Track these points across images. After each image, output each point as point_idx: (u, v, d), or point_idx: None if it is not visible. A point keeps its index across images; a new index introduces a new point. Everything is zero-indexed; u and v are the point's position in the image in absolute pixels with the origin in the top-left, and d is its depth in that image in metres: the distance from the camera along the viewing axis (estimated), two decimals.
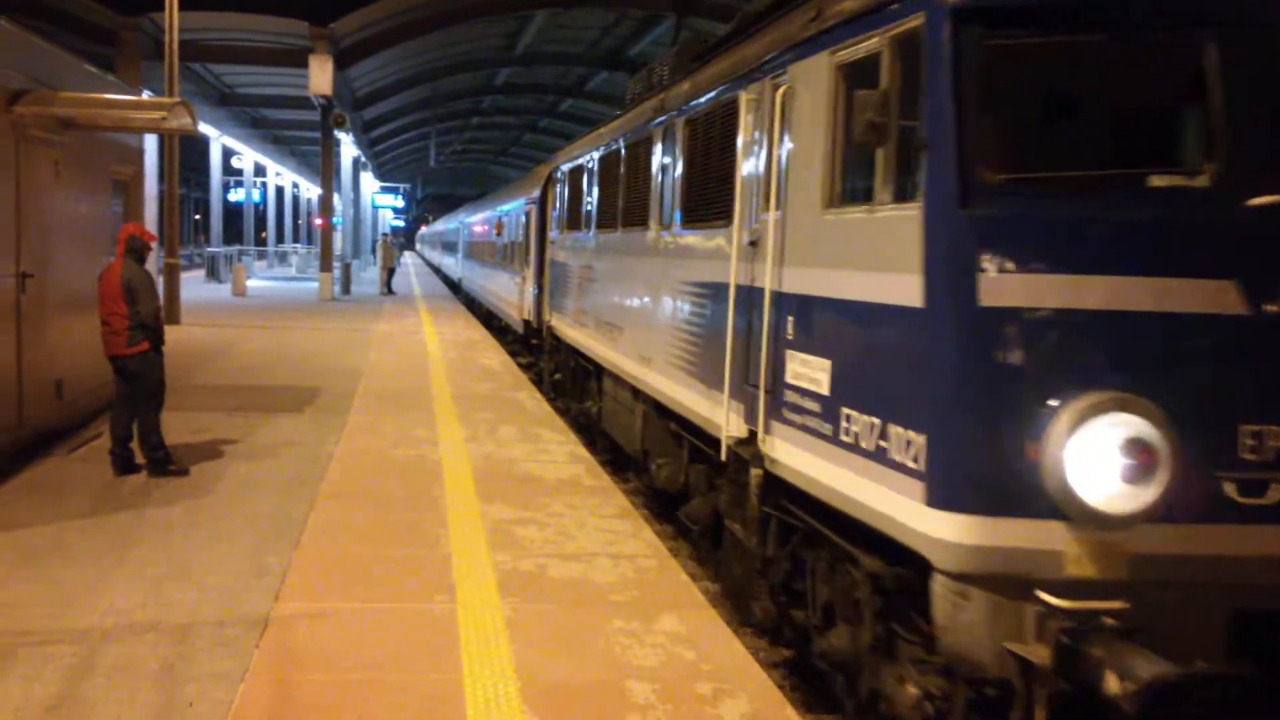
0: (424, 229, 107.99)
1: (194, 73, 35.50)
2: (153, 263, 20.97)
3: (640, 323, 10.77)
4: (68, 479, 9.91)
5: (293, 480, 10.03)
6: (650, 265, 10.37)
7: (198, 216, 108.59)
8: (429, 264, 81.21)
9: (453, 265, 52.05)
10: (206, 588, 7.02)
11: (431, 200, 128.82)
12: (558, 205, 17.55)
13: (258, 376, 17.04)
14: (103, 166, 13.25)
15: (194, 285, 39.16)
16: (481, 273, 34.25)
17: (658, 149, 10.33)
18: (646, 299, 10.49)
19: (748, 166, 7.48)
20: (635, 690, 5.62)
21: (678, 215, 9.42)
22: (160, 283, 23.83)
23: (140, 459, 10.08)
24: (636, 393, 11.20)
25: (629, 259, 11.47)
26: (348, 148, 47.06)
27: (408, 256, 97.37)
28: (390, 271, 42.20)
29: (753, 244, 7.19)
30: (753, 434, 7.07)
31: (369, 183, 66.42)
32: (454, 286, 49.21)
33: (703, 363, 8.36)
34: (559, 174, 17.59)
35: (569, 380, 16.65)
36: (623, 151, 12.06)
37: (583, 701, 5.49)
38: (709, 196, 8.41)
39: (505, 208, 26.87)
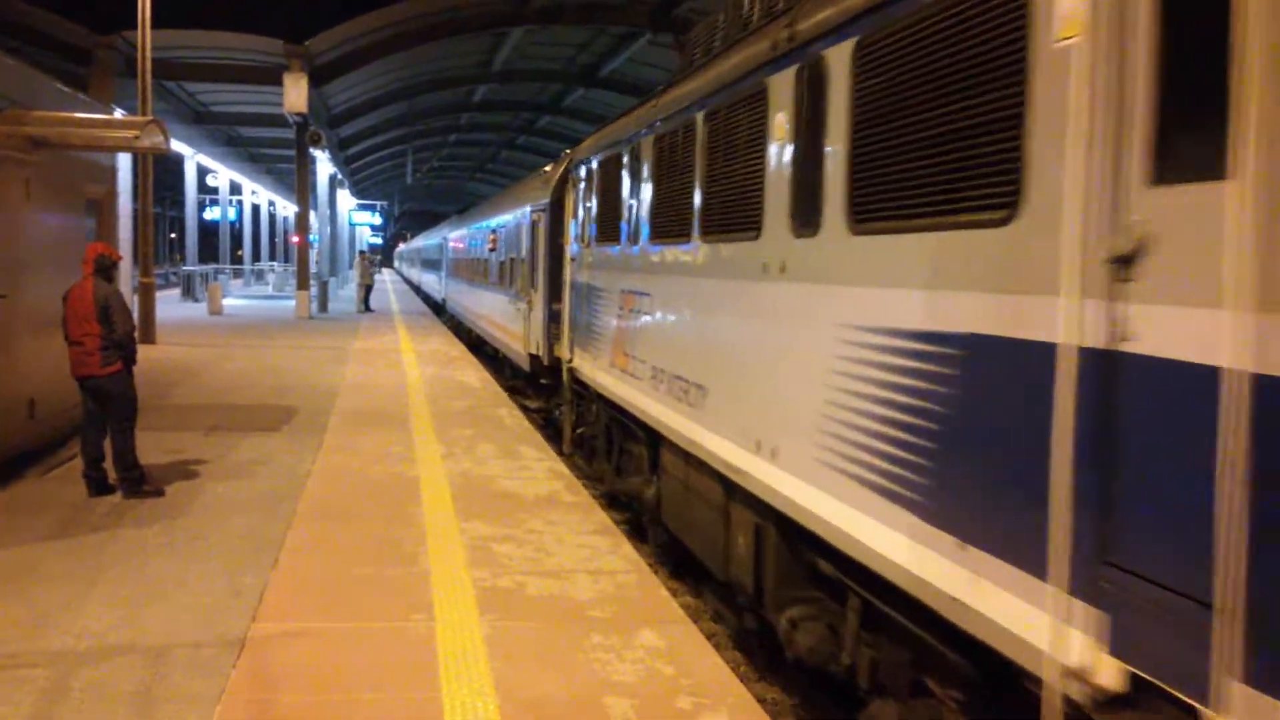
0: (402, 245, 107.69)
1: (169, 91, 35.38)
2: (127, 282, 20.92)
3: (750, 384, 7.08)
4: (41, 500, 9.81)
5: (270, 499, 9.97)
6: (774, 297, 6.67)
7: (173, 235, 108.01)
8: (408, 282, 79.33)
9: (435, 284, 48.72)
10: (182, 608, 6.96)
11: (409, 217, 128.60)
12: (580, 212, 13.61)
13: (234, 395, 16.95)
14: (75, 185, 13.18)
15: (170, 304, 38.95)
16: (471, 295, 30.55)
17: (782, 108, 6.62)
18: (766, 350, 6.80)
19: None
20: (614, 706, 5.60)
21: (848, 210, 5.69)
22: (135, 302, 23.71)
23: (114, 479, 9.99)
24: (733, 490, 7.54)
25: (722, 285, 7.70)
26: (324, 165, 46.95)
27: (386, 274, 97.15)
28: (368, 289, 42.08)
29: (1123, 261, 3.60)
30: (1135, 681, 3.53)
31: (346, 200, 66.31)
32: (437, 308, 46.57)
33: (940, 487, 4.67)
34: (582, 172, 13.59)
35: (603, 442, 12.64)
36: (701, 124, 8.27)
37: (562, 717, 5.46)
38: (967, 167, 4.58)
39: (502, 219, 23.88)
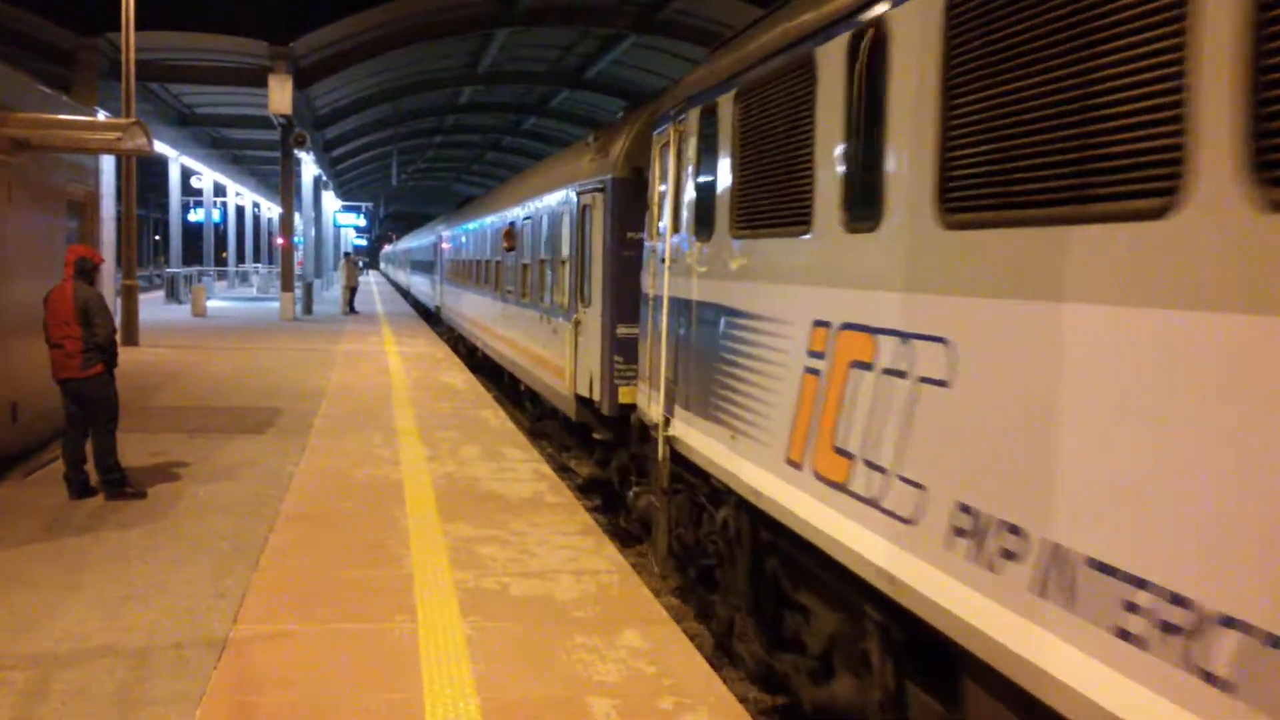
0: (388, 247, 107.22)
1: (153, 92, 35.27)
2: (110, 284, 20.84)
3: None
4: (22, 503, 9.78)
5: (252, 501, 9.95)
6: None
7: (157, 237, 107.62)
8: (396, 286, 76.02)
9: (426, 289, 43.57)
10: (164, 611, 6.95)
11: (394, 219, 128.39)
12: (689, 186, 8.47)
13: (218, 398, 16.90)
14: (58, 188, 13.14)
15: (153, 306, 38.83)
16: (476, 306, 24.88)
17: None
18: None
19: None
20: (596, 706, 5.61)
21: None
22: (118, 304, 23.63)
23: (96, 482, 9.97)
24: None
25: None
26: (309, 167, 46.85)
27: (371, 276, 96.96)
28: (353, 291, 42.00)
29: None
30: None
31: (331, 202, 66.15)
32: (427, 314, 42.46)
33: None
34: (692, 120, 8.46)
35: (745, 579, 7.55)
36: None
37: (544, 718, 5.47)
38: None
39: (525, 209, 18.10)
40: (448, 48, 37.78)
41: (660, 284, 9.13)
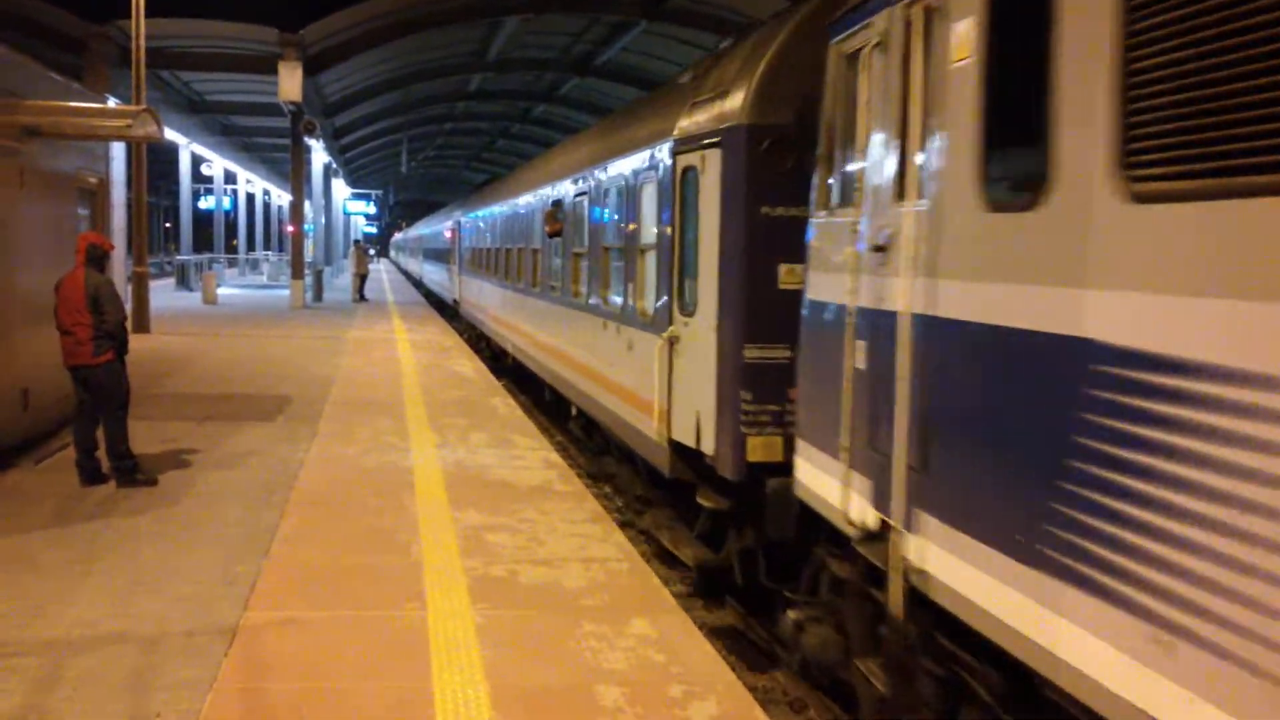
0: (398, 235, 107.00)
1: (163, 80, 35.27)
2: (121, 271, 20.90)
3: None
4: (34, 489, 9.82)
5: (263, 488, 9.98)
6: None
7: (168, 224, 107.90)
8: (407, 275, 73.04)
9: (442, 280, 39.71)
10: (175, 597, 6.98)
11: (404, 207, 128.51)
12: (955, 108, 4.89)
13: (228, 385, 16.94)
14: (69, 175, 13.16)
15: (164, 293, 38.90)
16: (505, 302, 21.22)
17: None
18: None
19: None
20: (605, 694, 5.62)
21: None
22: (129, 291, 23.72)
23: (107, 468, 10.00)
24: None
25: None
26: (318, 154, 46.90)
27: (381, 264, 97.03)
28: (363, 278, 42.04)
29: None
30: None
31: (340, 189, 66.22)
32: (441, 306, 39.68)
33: None
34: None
35: None
36: None
37: (553, 706, 5.49)
38: None
39: (584, 181, 13.74)
40: (457, 35, 37.71)
41: (862, 287, 5.89)
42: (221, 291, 40.85)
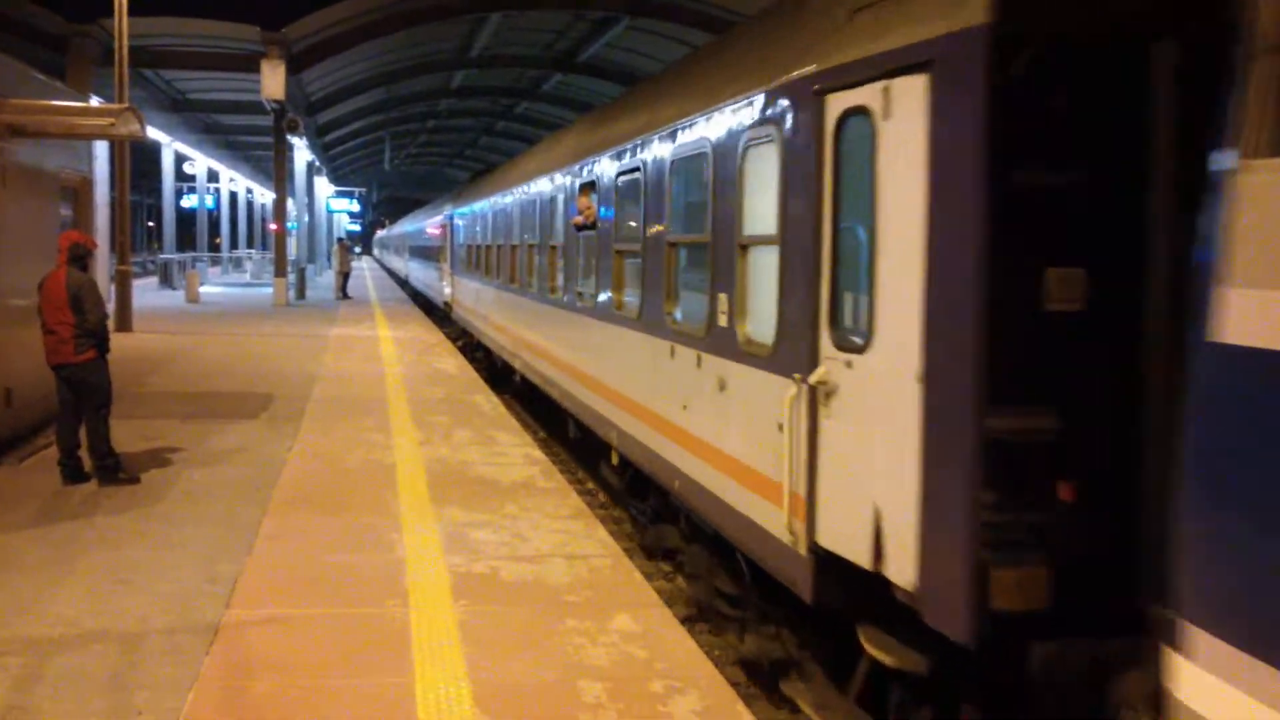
0: (382, 231, 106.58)
1: (145, 79, 35.14)
2: (104, 269, 20.84)
3: None
4: (16, 488, 9.80)
5: (246, 486, 9.97)
6: None
7: (151, 223, 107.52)
8: (392, 274, 69.00)
9: (430, 281, 36.47)
10: (156, 595, 6.98)
11: (387, 204, 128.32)
12: None
13: (211, 383, 16.91)
14: (52, 173, 13.11)
15: (147, 292, 38.75)
16: (512, 310, 17.60)
17: None
18: None
19: None
20: (587, 690, 5.65)
21: None
22: (112, 290, 23.64)
23: (89, 467, 9.99)
24: None
25: None
26: (301, 152, 46.79)
27: (364, 262, 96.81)
28: (346, 276, 41.93)
29: None
30: None
31: (324, 187, 66.06)
32: (429, 307, 36.96)
33: None
34: None
35: None
36: None
37: (535, 702, 5.52)
38: None
39: (632, 155, 10.14)
40: (440, 31, 37.66)
41: None
42: (204, 290, 40.72)
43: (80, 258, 9.90)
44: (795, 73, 6.38)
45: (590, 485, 13.45)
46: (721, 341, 7.50)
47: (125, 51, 23.51)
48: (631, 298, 10.19)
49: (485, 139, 69.63)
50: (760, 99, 6.88)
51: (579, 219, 12.14)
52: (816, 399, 5.94)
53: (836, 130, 5.87)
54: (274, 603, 6.90)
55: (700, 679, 5.86)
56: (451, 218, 28.86)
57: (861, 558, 5.51)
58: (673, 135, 8.75)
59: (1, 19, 27.44)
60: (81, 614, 6.62)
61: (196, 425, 13.01)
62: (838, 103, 5.82)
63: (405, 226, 58.90)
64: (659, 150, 9.13)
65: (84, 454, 10.00)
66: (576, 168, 12.61)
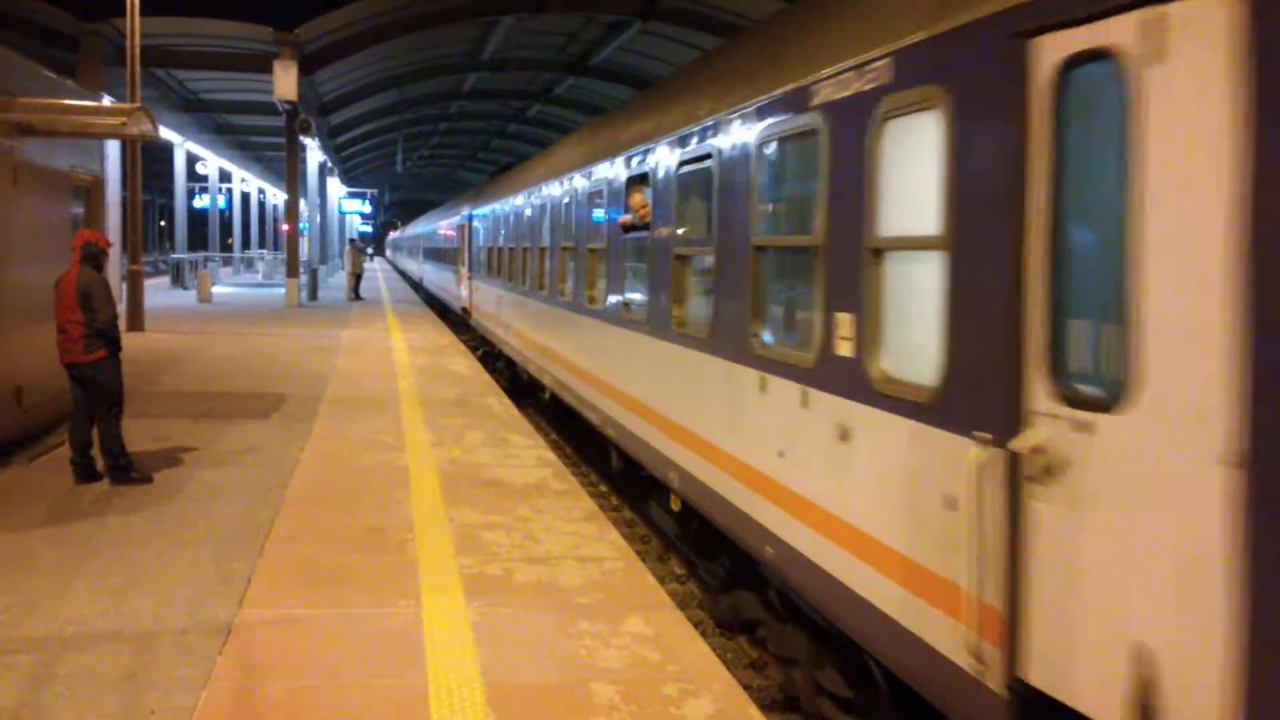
0: (394, 233, 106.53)
1: (157, 78, 35.24)
2: (116, 269, 20.87)
3: None
4: (28, 487, 9.80)
5: (258, 487, 9.96)
6: None
7: (163, 223, 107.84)
8: (405, 276, 68.25)
9: (449, 286, 34.01)
10: (169, 595, 6.96)
11: (399, 206, 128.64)
12: None
13: (223, 383, 16.91)
14: (63, 172, 13.13)
15: (159, 292, 38.85)
16: (543, 322, 15.80)
17: None
18: None
19: None
20: (600, 692, 5.62)
21: None
22: (123, 289, 23.69)
23: (102, 467, 9.98)
24: None
25: None
26: (314, 153, 46.88)
27: (376, 263, 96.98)
28: (358, 277, 42.00)
29: None
30: None
31: (336, 188, 66.17)
32: (444, 310, 36.07)
33: None
34: None
35: None
36: None
37: (547, 704, 5.48)
38: None
39: (699, 140, 8.41)
40: (452, 34, 37.70)
41: None
42: (216, 290, 40.79)
43: (94, 256, 9.90)
44: (975, 12, 4.64)
45: (603, 488, 13.42)
46: (841, 375, 5.77)
47: (137, 51, 23.55)
48: (700, 313, 8.56)
49: (497, 141, 69.72)
50: (907, 54, 5.21)
51: (628, 218, 10.54)
52: (1023, 473, 4.18)
53: (1056, 83, 4.15)
54: (287, 603, 6.88)
55: (713, 682, 5.82)
56: (470, 218, 27.32)
57: (1109, 716, 3.77)
58: (760, 113, 7.07)
59: (12, 17, 27.54)
60: (94, 613, 6.61)
61: (208, 425, 13.01)
62: (1055, 46, 4.15)
63: (419, 228, 56.90)
64: (741, 133, 7.41)
65: (96, 453, 9.99)
66: (624, 159, 10.87)
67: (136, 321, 24.40)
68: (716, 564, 8.76)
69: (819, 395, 6.05)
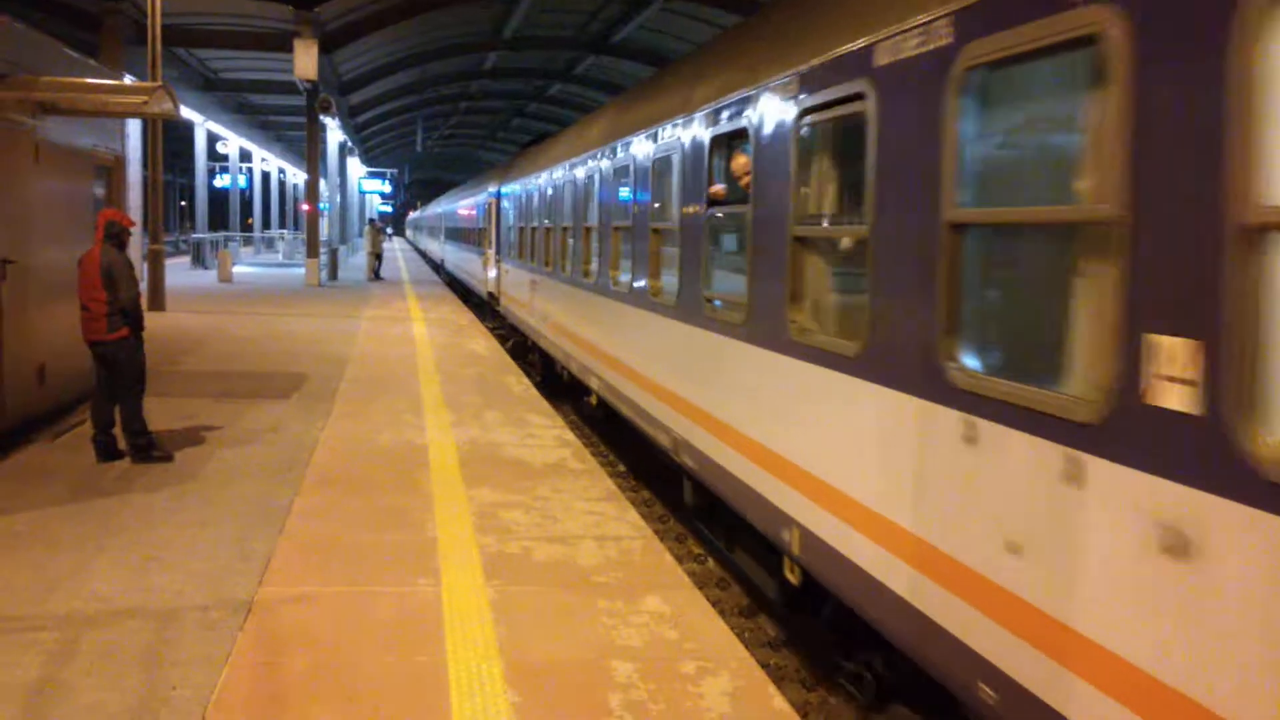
0: (414, 213, 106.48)
1: (178, 58, 35.30)
2: (137, 248, 20.93)
3: None
4: (50, 465, 9.86)
5: (278, 466, 10.00)
6: None
7: (184, 202, 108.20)
8: (426, 258, 66.35)
9: (474, 269, 32.01)
10: (190, 573, 7.00)
11: (419, 186, 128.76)
12: None
13: (244, 363, 16.98)
14: (85, 151, 13.16)
15: (180, 271, 39.01)
16: (601, 320, 12.54)
17: None
18: None
19: None
20: (618, 670, 5.62)
21: None
22: (145, 269, 23.77)
23: (123, 445, 10.04)
24: None
25: None
26: (334, 133, 46.87)
27: (396, 243, 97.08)
28: (378, 257, 42.06)
29: None
30: None
31: (356, 168, 66.23)
32: (466, 293, 34.59)
33: None
34: None
35: None
36: None
37: (566, 681, 5.49)
38: None
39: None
40: (472, 13, 37.63)
41: None
42: (237, 270, 40.93)
43: (117, 235, 9.92)
44: None
45: (622, 468, 13.42)
46: (1158, 439, 3.32)
47: (158, 29, 23.58)
48: (839, 318, 6.19)
49: (518, 120, 69.69)
50: None
51: (720, 188, 8.25)
52: None
53: None
54: (307, 580, 6.91)
55: (731, 660, 5.82)
56: (499, 195, 24.90)
57: None
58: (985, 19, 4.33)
59: None
60: (115, 591, 6.65)
61: (229, 404, 13.06)
62: None
63: (441, 207, 53.72)
64: (929, 60, 4.76)
65: (118, 432, 10.04)
66: (706, 114, 8.24)
67: (158, 301, 24.52)
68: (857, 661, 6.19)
69: (1100, 465, 3.55)
